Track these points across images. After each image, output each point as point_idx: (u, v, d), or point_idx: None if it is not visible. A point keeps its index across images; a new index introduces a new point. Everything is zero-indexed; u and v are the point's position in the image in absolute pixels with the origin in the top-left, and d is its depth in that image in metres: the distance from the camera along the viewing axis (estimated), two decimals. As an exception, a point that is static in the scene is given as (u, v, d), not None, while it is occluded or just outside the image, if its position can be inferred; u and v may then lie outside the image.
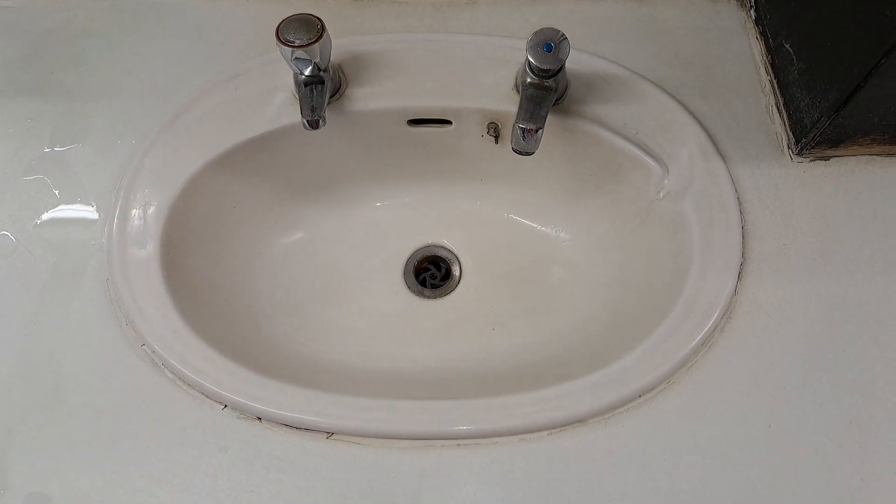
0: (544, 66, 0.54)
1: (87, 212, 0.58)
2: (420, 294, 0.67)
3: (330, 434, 0.49)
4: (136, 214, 0.56)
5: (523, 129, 0.53)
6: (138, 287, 0.53)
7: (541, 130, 0.53)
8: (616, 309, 0.60)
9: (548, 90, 0.56)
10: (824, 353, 0.52)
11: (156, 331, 0.52)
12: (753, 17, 0.66)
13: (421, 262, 0.69)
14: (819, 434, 0.49)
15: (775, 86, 0.62)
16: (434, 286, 0.68)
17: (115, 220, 0.56)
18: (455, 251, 0.69)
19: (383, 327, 0.65)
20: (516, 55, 0.62)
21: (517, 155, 0.64)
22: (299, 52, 0.55)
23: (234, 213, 0.63)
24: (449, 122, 0.64)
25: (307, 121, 0.56)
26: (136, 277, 0.54)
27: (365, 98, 0.62)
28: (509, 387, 0.54)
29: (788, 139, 0.60)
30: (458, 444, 0.49)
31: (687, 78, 0.64)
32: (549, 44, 0.54)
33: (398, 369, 0.60)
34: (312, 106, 0.56)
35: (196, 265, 0.58)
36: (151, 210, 0.56)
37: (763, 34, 0.65)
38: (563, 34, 0.54)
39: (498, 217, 0.69)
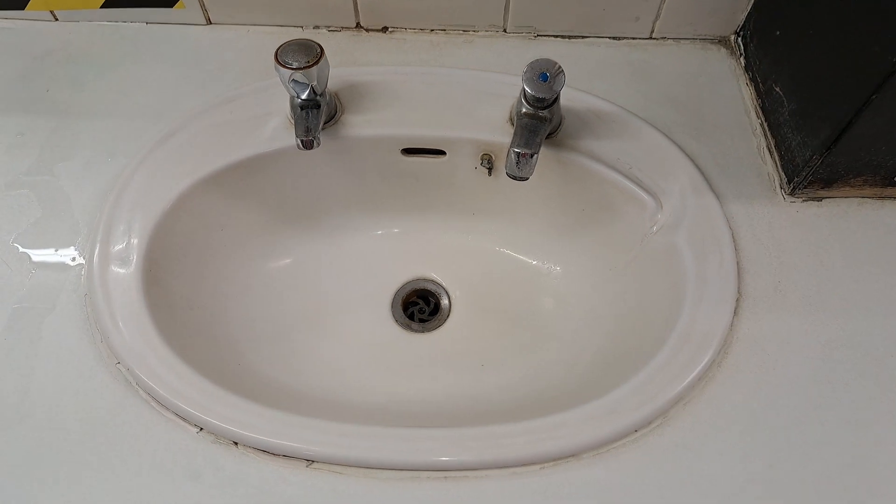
0: (540, 96, 0.54)
1: (71, 227, 0.56)
2: (408, 328, 0.66)
3: (310, 462, 0.46)
4: (121, 231, 0.55)
5: (518, 154, 0.53)
6: (117, 303, 0.51)
7: (535, 156, 0.53)
8: (609, 343, 0.58)
9: (542, 120, 0.56)
10: (824, 391, 0.50)
11: (132, 348, 0.49)
12: (743, 64, 0.68)
13: (409, 295, 0.68)
14: (821, 475, 0.47)
15: (766, 128, 0.63)
16: (422, 320, 0.67)
17: (99, 236, 0.54)
18: (445, 285, 0.68)
19: (369, 360, 0.63)
20: (511, 90, 0.62)
21: (510, 187, 0.64)
22: (297, 75, 0.56)
23: (220, 235, 0.61)
24: (443, 153, 0.64)
25: (301, 140, 0.56)
26: (116, 294, 0.52)
27: (360, 125, 0.62)
28: (498, 420, 0.52)
29: (781, 179, 0.60)
30: (446, 477, 0.46)
31: (679, 119, 0.64)
32: (545, 74, 0.55)
33: (383, 402, 0.58)
34: (307, 127, 0.56)
35: (179, 285, 0.56)
36: (136, 227, 0.55)
37: (753, 80, 0.66)
38: (559, 66, 0.55)
39: (489, 251, 0.68)
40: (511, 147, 0.53)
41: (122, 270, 0.53)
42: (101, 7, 0.67)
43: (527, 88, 0.55)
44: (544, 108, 0.57)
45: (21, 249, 0.55)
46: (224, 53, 0.68)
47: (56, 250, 0.55)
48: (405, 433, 0.47)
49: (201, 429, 0.47)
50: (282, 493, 0.45)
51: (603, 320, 0.61)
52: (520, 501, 0.45)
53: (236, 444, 0.47)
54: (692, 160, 0.61)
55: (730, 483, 0.46)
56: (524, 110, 0.57)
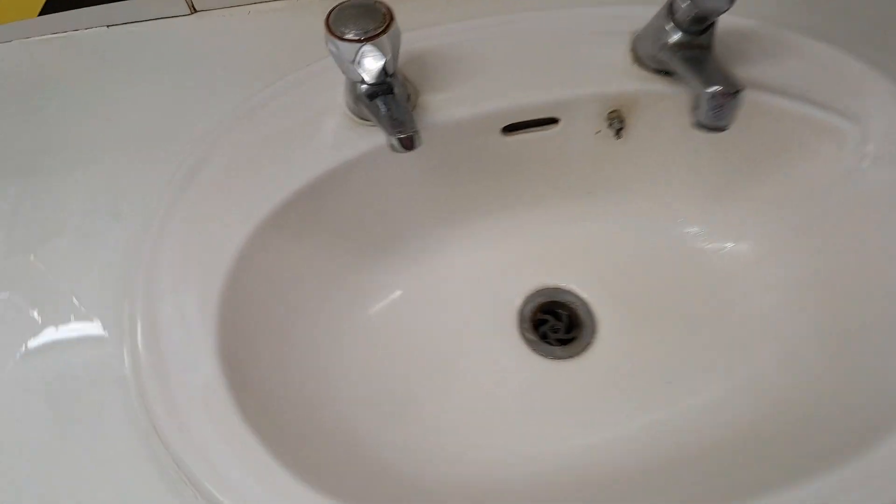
0: (711, 6, 0.40)
1: (89, 332, 0.38)
2: (550, 355, 0.51)
3: None
4: (170, 322, 0.37)
5: (719, 95, 0.38)
6: (202, 432, 0.34)
7: (741, 93, 0.38)
8: (838, 324, 0.45)
9: (704, 48, 0.42)
10: None
11: (247, 496, 0.33)
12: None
13: (539, 311, 0.53)
14: None
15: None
16: (561, 341, 0.52)
17: (140, 338, 0.37)
18: (578, 291, 0.53)
19: (519, 411, 0.48)
20: (620, 24, 0.48)
21: (642, 150, 0.51)
22: (366, 50, 0.39)
23: (299, 291, 0.44)
24: (555, 121, 0.48)
25: (399, 140, 0.39)
26: (195, 418, 0.35)
27: (445, 105, 0.46)
28: (747, 468, 0.38)
29: None
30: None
31: (833, 24, 0.51)
32: (706, -19, 0.40)
33: (570, 469, 0.43)
34: (397, 119, 0.40)
35: (269, 380, 0.40)
36: (193, 312, 0.38)
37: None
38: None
39: (629, 237, 0.53)
40: (703, 89, 0.38)
41: (191, 380, 0.36)
42: (41, 14, 0.48)
43: (690, 4, 0.40)
44: (703, 32, 0.42)
45: (25, 380, 0.37)
46: (223, 47, 0.50)
47: (76, 372, 0.37)
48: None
49: None
50: None
51: (815, 292, 0.47)
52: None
53: None
54: (883, 72, 0.47)
55: None
56: (674, 40, 0.43)
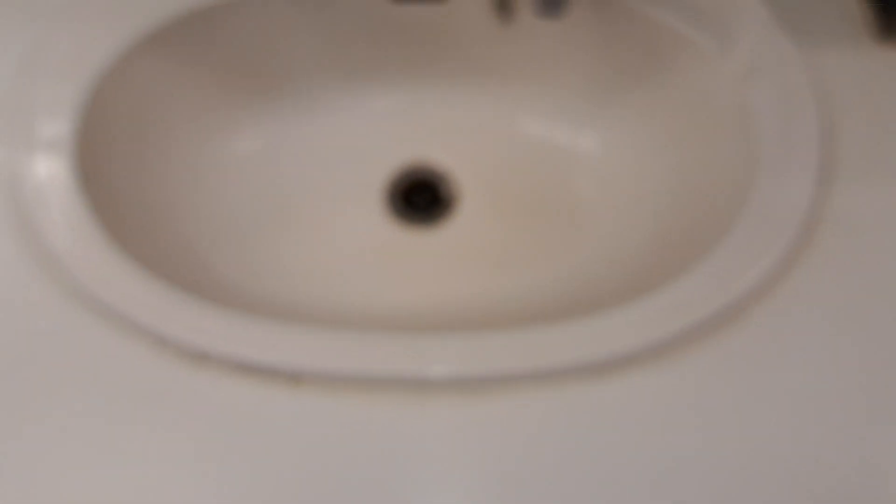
0: None
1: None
2: (407, 221, 0.60)
3: (296, 378, 0.41)
4: (44, 111, 0.48)
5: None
6: (50, 201, 0.45)
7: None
8: (663, 231, 0.53)
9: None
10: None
11: (73, 252, 0.44)
12: None
13: (405, 182, 0.62)
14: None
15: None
16: (423, 214, 0.61)
17: (15, 120, 0.48)
18: (450, 169, 0.62)
19: (359, 262, 0.57)
20: None
21: (529, 39, 0.57)
22: None
23: (169, 114, 0.55)
24: (444, -2, 0.56)
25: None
26: (48, 190, 0.46)
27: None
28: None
29: (873, 21, 0.54)
30: (463, 391, 0.42)
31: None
32: None
33: (379, 311, 0.53)
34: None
35: (120, 175, 0.51)
36: (60, 109, 0.48)
37: None
38: None
39: (505, 123, 0.61)
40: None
41: (50, 161, 0.47)
42: None
43: None
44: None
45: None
46: None
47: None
48: (412, 341, 0.42)
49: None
50: (265, 415, 0.41)
51: (653, 201, 0.55)
52: (569, 417, 0.41)
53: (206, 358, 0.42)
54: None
55: (820, 393, 0.42)
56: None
